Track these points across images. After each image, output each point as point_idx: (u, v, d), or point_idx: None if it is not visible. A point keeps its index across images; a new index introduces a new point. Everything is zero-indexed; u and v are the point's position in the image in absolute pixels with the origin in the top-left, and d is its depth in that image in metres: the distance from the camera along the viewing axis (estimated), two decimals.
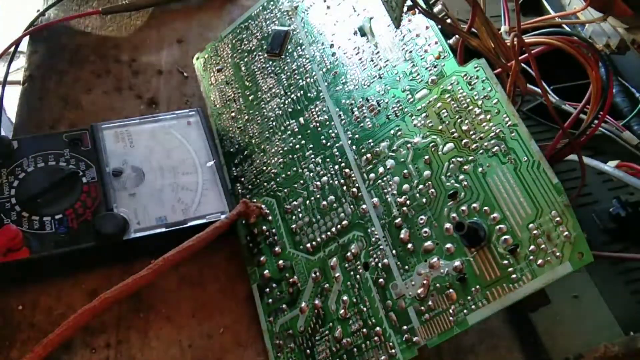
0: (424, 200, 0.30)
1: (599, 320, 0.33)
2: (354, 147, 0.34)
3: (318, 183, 0.34)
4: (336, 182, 0.34)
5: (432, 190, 0.30)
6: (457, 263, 0.28)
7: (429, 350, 0.28)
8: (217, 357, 0.33)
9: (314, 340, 0.31)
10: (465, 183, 0.29)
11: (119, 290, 0.32)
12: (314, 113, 0.37)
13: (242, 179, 0.39)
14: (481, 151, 0.29)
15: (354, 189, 0.33)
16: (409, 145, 0.31)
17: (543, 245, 0.25)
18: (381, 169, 0.32)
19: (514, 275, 0.26)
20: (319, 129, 0.36)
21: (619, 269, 0.36)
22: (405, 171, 0.31)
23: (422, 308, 0.28)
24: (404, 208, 0.30)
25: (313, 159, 0.35)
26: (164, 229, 0.34)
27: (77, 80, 0.45)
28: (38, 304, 0.33)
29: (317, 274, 0.32)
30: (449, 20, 0.31)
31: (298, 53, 0.39)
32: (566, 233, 0.25)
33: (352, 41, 0.36)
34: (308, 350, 0.31)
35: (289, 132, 0.37)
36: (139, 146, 0.39)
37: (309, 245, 0.33)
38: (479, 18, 0.30)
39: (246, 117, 0.41)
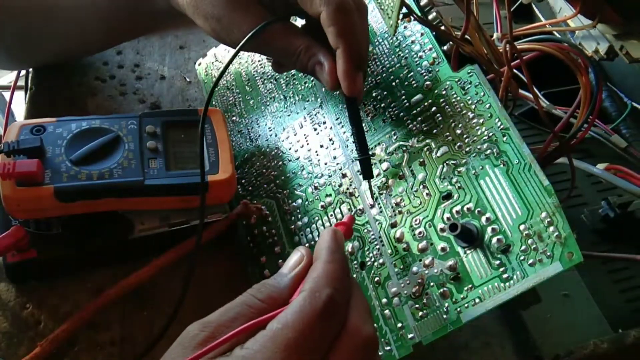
0: (419, 201, 0.31)
1: (588, 318, 0.34)
2: (351, 150, 0.35)
3: (316, 185, 0.35)
4: (334, 183, 0.35)
5: (427, 191, 0.30)
6: (450, 262, 0.28)
7: (423, 347, 0.28)
8: None
9: None
10: (459, 185, 0.29)
11: (121, 286, 0.33)
12: (313, 117, 0.38)
13: (243, 181, 0.39)
14: (474, 154, 0.29)
15: (351, 191, 0.34)
16: (404, 148, 0.32)
17: (534, 246, 0.26)
18: (377, 171, 0.33)
19: (506, 275, 0.27)
20: (317, 132, 0.37)
21: (608, 268, 0.36)
22: (400, 173, 0.32)
23: (417, 306, 0.29)
24: (399, 209, 0.31)
25: (311, 162, 0.36)
26: (167, 229, 0.35)
27: (83, 85, 0.46)
28: (44, 303, 0.34)
29: None
30: (443, 27, 0.32)
31: None
32: (557, 233, 0.26)
33: None
34: None
35: (288, 135, 0.38)
36: None
37: (307, 245, 0.34)
38: (473, 25, 0.31)
39: (247, 121, 0.41)
